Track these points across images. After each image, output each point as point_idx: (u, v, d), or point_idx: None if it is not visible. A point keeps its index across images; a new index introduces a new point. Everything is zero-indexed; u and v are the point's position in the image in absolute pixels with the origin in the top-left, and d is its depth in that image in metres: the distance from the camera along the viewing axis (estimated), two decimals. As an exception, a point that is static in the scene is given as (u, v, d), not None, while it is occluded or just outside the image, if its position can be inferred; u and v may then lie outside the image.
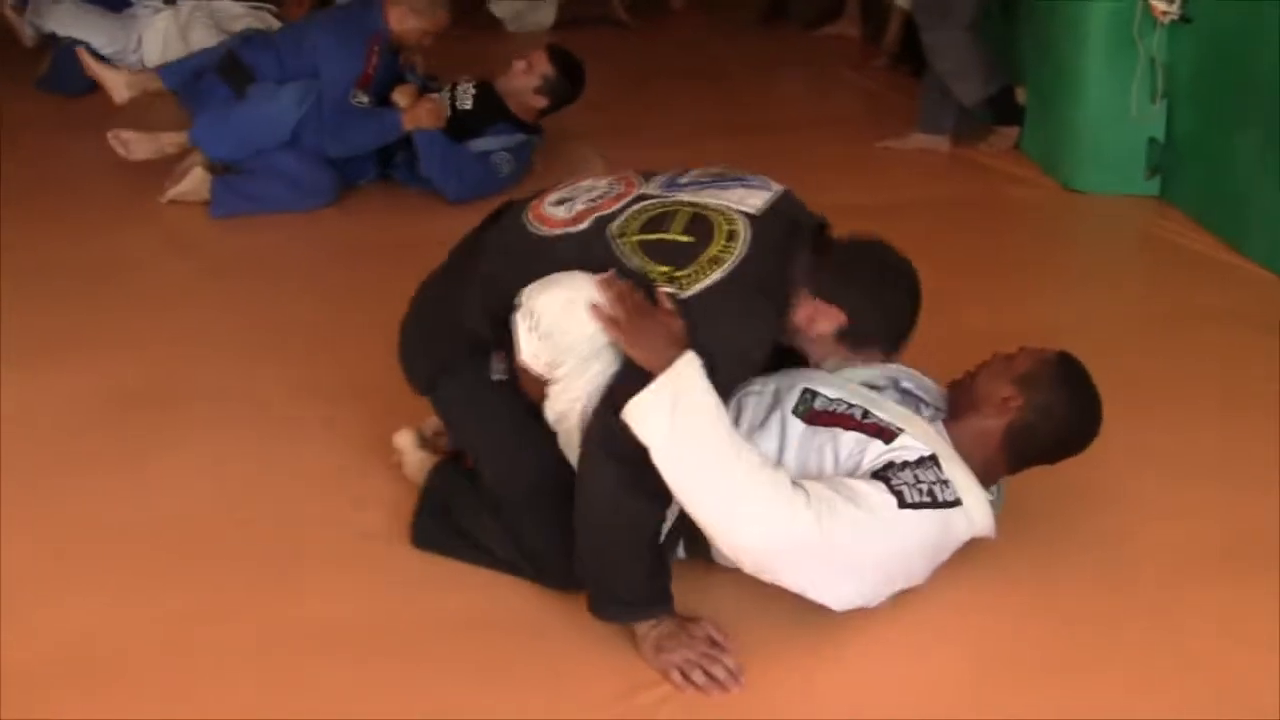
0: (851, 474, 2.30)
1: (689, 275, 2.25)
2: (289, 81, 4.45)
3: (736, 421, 2.41)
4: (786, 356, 2.50)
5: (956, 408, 2.46)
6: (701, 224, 2.31)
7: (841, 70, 6.18)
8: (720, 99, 5.85)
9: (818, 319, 2.36)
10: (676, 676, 2.21)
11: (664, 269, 2.27)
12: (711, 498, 2.16)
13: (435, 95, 4.61)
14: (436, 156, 4.48)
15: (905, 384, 2.56)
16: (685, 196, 2.38)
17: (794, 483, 2.18)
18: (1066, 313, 3.65)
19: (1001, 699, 2.19)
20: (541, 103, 4.66)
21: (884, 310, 2.37)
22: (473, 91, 4.67)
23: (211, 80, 4.64)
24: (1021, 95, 4.89)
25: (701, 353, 2.18)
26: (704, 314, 2.23)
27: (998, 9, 5.08)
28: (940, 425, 2.43)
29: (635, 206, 2.38)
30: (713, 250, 2.27)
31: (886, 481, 2.24)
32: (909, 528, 2.24)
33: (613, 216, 2.37)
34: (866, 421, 2.37)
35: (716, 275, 2.25)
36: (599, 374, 2.27)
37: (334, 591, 2.46)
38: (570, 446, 2.33)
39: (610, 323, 2.21)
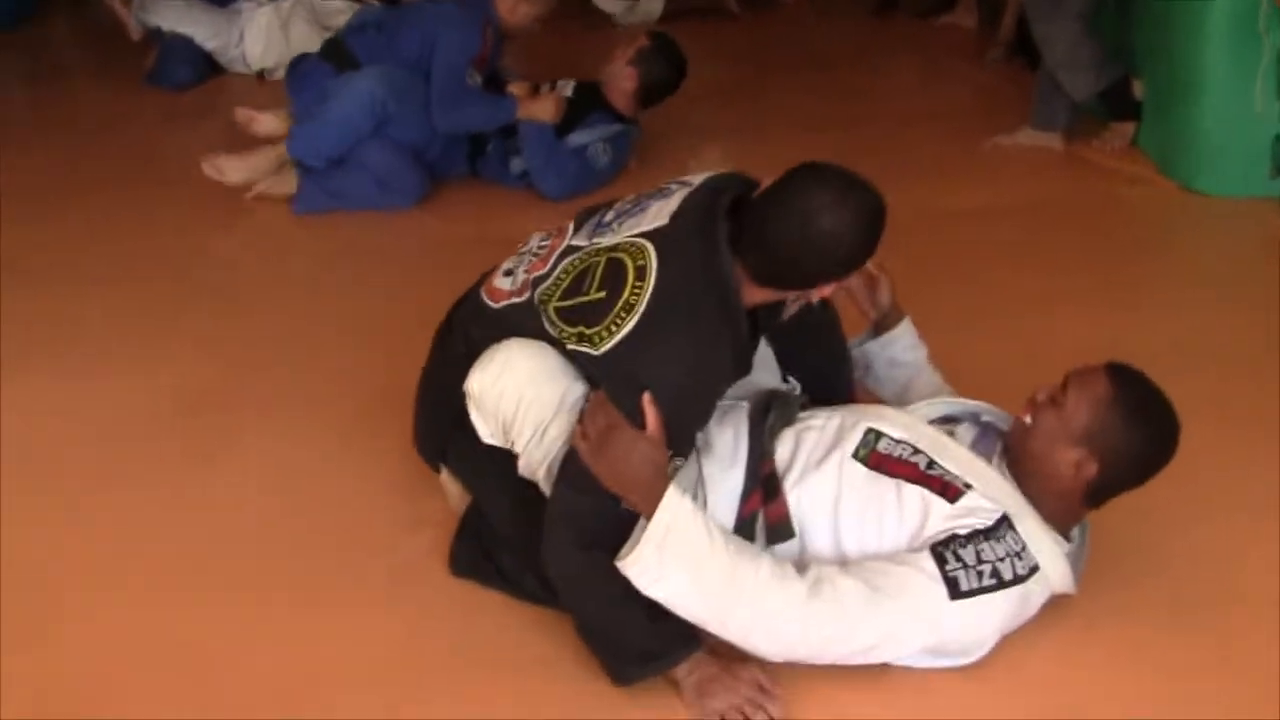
0: (914, 538, 2.17)
1: (599, 332, 2.19)
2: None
3: (792, 458, 2.29)
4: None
5: (1021, 465, 2.27)
6: (615, 271, 2.22)
7: (955, 62, 5.95)
8: (829, 91, 5.66)
9: (761, 294, 2.25)
10: None
11: (575, 330, 2.22)
12: (731, 625, 2.09)
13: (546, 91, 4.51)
14: (542, 150, 4.38)
15: (985, 418, 2.40)
16: (606, 240, 2.30)
17: (817, 579, 2.08)
18: (1180, 325, 3.42)
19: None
20: (633, 79, 4.46)
21: (816, 260, 2.18)
22: (573, 84, 4.57)
23: (313, 63, 4.64)
24: (1138, 89, 4.62)
25: (636, 410, 2.10)
26: (620, 366, 2.16)
27: (1113, 2, 4.81)
28: (1005, 468, 2.27)
29: (563, 264, 2.32)
30: (625, 298, 2.19)
31: (942, 563, 2.10)
32: (959, 618, 2.11)
33: (544, 278, 2.32)
34: (931, 474, 2.21)
35: (630, 323, 2.17)
36: (555, 440, 2.23)
37: (377, 617, 2.40)
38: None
39: (585, 451, 2.11)
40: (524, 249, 2.47)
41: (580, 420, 2.13)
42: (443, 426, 2.44)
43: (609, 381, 2.17)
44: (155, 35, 5.84)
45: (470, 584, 2.44)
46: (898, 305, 2.67)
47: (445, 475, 2.56)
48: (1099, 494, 2.25)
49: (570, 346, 2.23)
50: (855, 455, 2.27)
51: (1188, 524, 2.57)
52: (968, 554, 2.11)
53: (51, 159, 4.98)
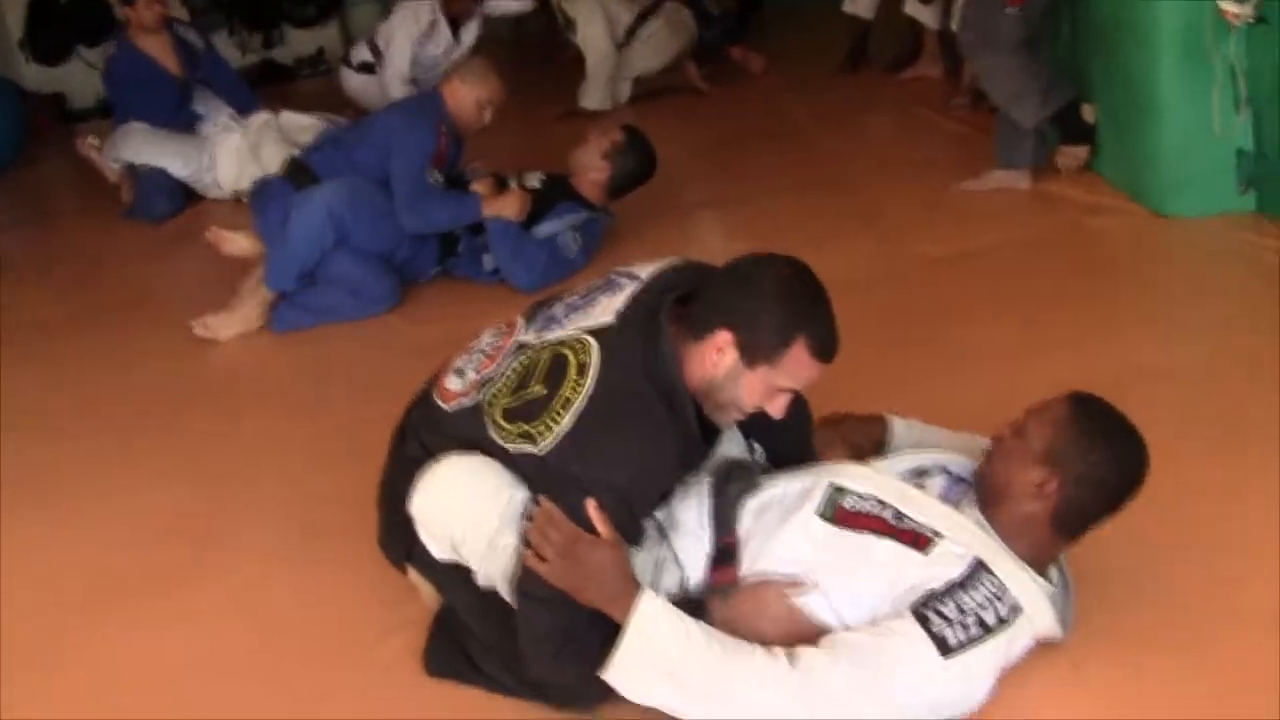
0: (890, 593, 2.13)
1: (538, 428, 2.17)
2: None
3: (755, 525, 2.28)
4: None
5: (987, 500, 2.24)
6: (557, 366, 2.22)
7: (924, 112, 5.92)
8: (802, 153, 5.68)
9: (708, 356, 2.20)
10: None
11: (518, 428, 2.20)
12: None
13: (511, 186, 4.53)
14: (509, 245, 4.39)
15: (954, 469, 2.36)
16: (553, 335, 2.30)
17: (809, 663, 2.05)
18: (1168, 352, 3.38)
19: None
20: (605, 172, 4.50)
21: (763, 300, 2.16)
22: (540, 176, 4.59)
23: (276, 183, 4.67)
24: (1090, 113, 4.60)
25: (581, 510, 2.10)
26: (561, 467, 2.14)
27: (1066, 29, 4.82)
28: (977, 513, 2.23)
29: (512, 364, 2.31)
30: (564, 393, 2.17)
31: (925, 623, 2.06)
32: (952, 675, 2.06)
33: (491, 379, 2.31)
34: (900, 526, 2.18)
35: (566, 421, 2.15)
36: (508, 549, 2.21)
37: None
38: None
39: (547, 572, 2.11)
40: (475, 345, 2.47)
41: (528, 539, 2.13)
42: (405, 529, 2.41)
43: (552, 482, 2.16)
44: (130, 170, 5.89)
45: (448, 684, 2.40)
46: (867, 422, 2.61)
47: (414, 574, 2.52)
48: (1068, 520, 2.21)
49: (513, 449, 2.21)
50: (820, 514, 2.24)
51: (1176, 551, 2.52)
52: (948, 608, 2.08)
53: (44, 296, 5.08)
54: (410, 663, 2.47)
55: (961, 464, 2.37)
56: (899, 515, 2.19)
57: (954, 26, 5.78)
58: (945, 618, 2.06)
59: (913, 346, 3.49)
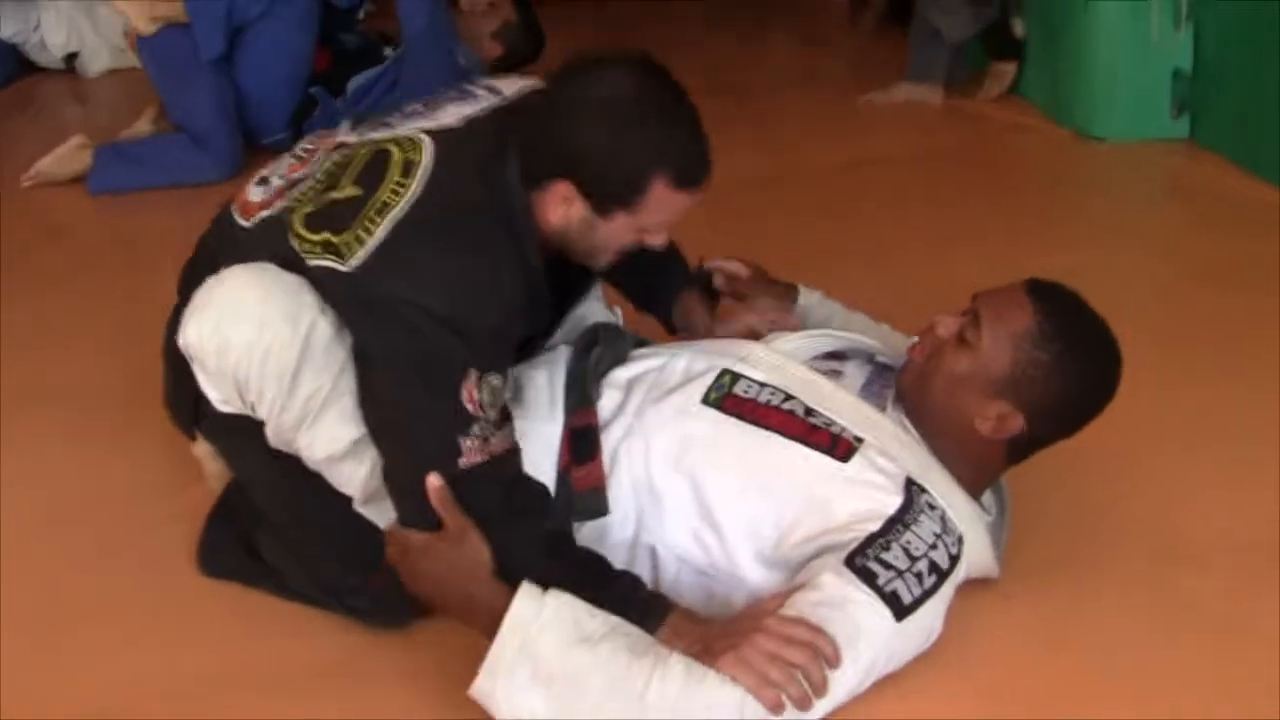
0: (804, 512, 1.68)
1: (347, 240, 1.68)
2: None
3: (620, 407, 1.82)
4: None
5: (920, 414, 1.80)
6: (376, 165, 1.74)
7: (827, 30, 5.56)
8: (697, 65, 5.17)
9: (553, 208, 1.75)
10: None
11: (320, 238, 1.70)
12: None
13: None
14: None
15: (880, 358, 1.94)
16: (381, 134, 1.81)
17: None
18: (1080, 271, 2.95)
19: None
20: (497, 51, 4.12)
21: (600, 134, 1.70)
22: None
23: None
24: (1018, 28, 4.22)
25: (401, 345, 1.64)
26: (372, 287, 1.66)
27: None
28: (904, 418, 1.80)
29: (324, 164, 1.82)
30: (381, 196, 1.69)
31: (870, 579, 1.59)
32: (908, 634, 1.62)
33: (299, 181, 1.82)
34: (812, 423, 1.72)
35: (381, 231, 1.67)
36: (309, 395, 1.71)
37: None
38: (349, 481, 1.78)
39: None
40: (287, 153, 1.98)
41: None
42: (194, 383, 1.87)
43: (359, 308, 1.68)
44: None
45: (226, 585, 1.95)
46: (779, 286, 2.18)
47: (201, 446, 2.04)
48: (1023, 450, 1.80)
49: (312, 262, 1.72)
50: (705, 399, 1.79)
51: (1119, 469, 2.17)
52: (894, 555, 1.62)
53: None
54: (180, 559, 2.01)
55: (888, 355, 1.96)
56: (809, 411, 1.75)
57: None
58: (893, 567, 1.61)
59: (816, 247, 3.08)
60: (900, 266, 2.98)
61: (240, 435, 1.84)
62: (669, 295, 2.13)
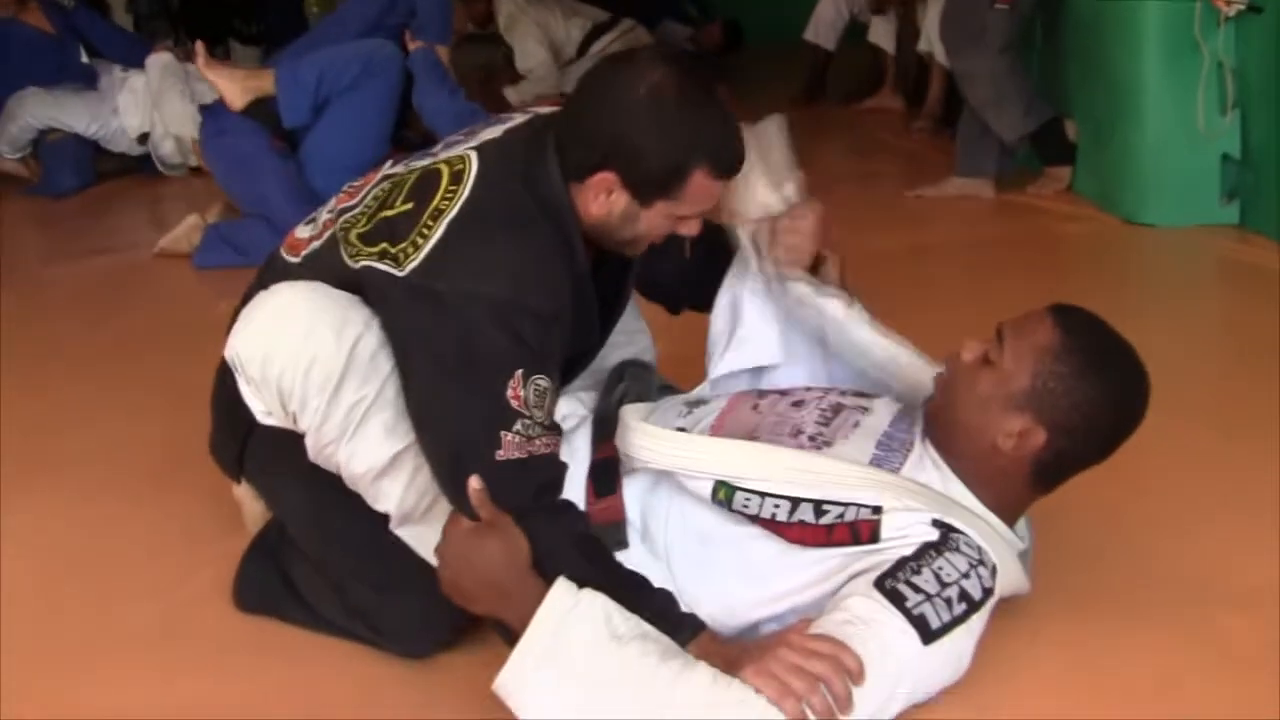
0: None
1: (404, 248, 1.71)
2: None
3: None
4: None
5: (943, 442, 1.79)
6: (426, 182, 1.78)
7: (883, 136, 5.63)
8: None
9: (596, 199, 1.77)
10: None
11: (377, 248, 1.74)
12: None
13: None
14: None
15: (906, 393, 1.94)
16: (423, 162, 1.85)
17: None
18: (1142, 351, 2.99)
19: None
20: None
21: (643, 127, 1.72)
22: None
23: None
24: (1072, 131, 4.26)
25: (452, 338, 1.66)
26: (430, 281, 1.69)
27: (1040, 35, 4.49)
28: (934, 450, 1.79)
29: (374, 190, 1.86)
30: (435, 204, 1.73)
31: (899, 601, 1.58)
32: (935, 662, 1.60)
33: (350, 209, 1.85)
34: (827, 524, 1.69)
35: (438, 232, 1.70)
36: (353, 405, 1.74)
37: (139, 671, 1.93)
38: (387, 497, 1.80)
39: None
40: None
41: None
42: (240, 424, 1.92)
43: (408, 312, 1.71)
44: (34, 149, 5.49)
45: (261, 621, 1.97)
46: (849, 291, 2.12)
47: (243, 489, 2.07)
48: (1050, 472, 1.76)
49: (363, 264, 1.75)
50: (715, 497, 1.75)
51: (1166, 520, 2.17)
52: (924, 579, 1.61)
53: None
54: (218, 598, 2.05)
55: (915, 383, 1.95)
56: (819, 510, 1.69)
57: (921, 47, 5.56)
58: (922, 591, 1.60)
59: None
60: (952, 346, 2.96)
61: (280, 465, 1.88)
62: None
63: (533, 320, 1.68)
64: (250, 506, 2.09)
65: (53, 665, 1.94)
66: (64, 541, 2.33)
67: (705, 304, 2.10)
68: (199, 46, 4.24)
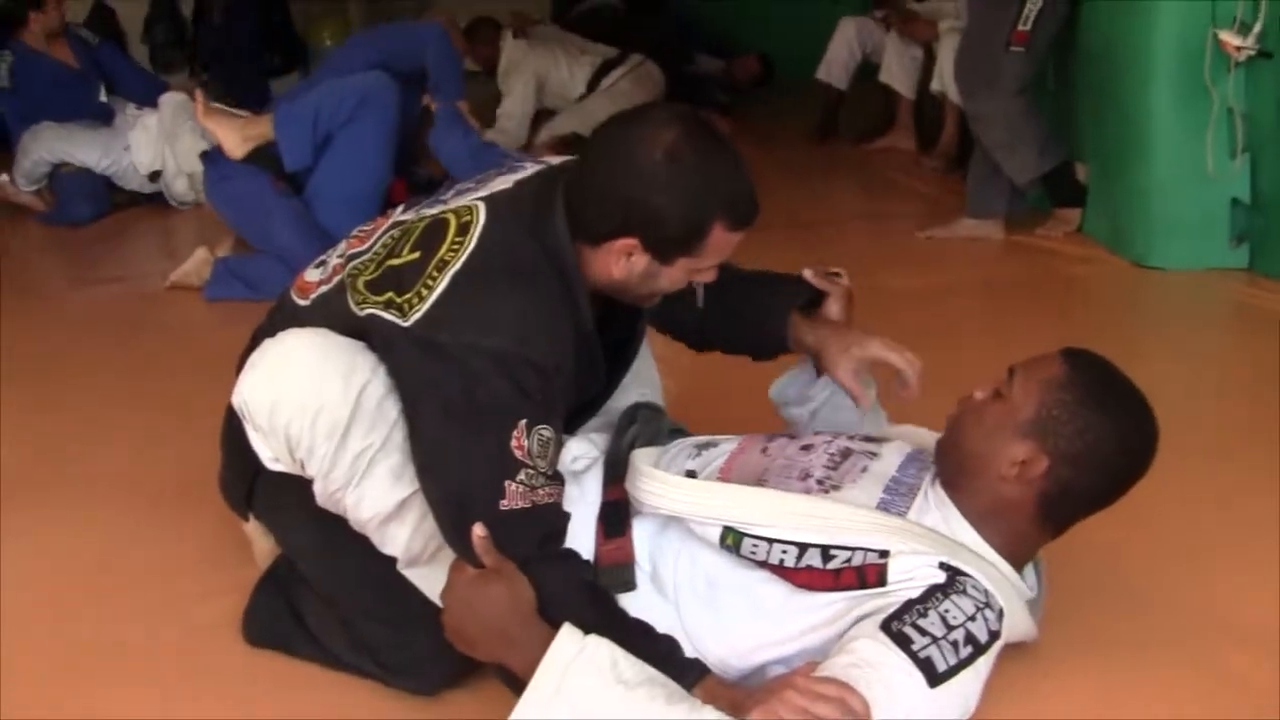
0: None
1: (410, 299, 1.71)
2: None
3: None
4: None
5: (952, 479, 1.80)
6: (433, 232, 1.78)
7: (895, 175, 5.66)
8: (769, 205, 5.32)
9: (614, 262, 1.77)
10: None
11: (383, 298, 1.74)
12: None
13: None
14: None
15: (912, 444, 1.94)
16: (433, 210, 1.85)
17: None
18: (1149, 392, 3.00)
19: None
20: None
21: (660, 189, 1.71)
22: None
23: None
24: (1082, 173, 4.29)
25: (456, 389, 1.67)
26: (432, 333, 1.69)
27: (1052, 78, 4.52)
28: (942, 492, 1.79)
29: (384, 237, 1.86)
30: (440, 255, 1.73)
31: (905, 644, 1.59)
32: (943, 704, 1.60)
33: (360, 254, 1.86)
34: (835, 569, 1.70)
35: (443, 283, 1.70)
36: (359, 453, 1.75)
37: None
38: (394, 542, 1.81)
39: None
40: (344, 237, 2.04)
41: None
42: (248, 464, 1.93)
43: (414, 353, 1.71)
44: (50, 179, 5.51)
45: (269, 653, 1.99)
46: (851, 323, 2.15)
47: (253, 525, 2.09)
48: (1056, 509, 1.77)
49: (368, 313, 1.75)
50: (723, 542, 1.76)
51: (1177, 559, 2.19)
52: (930, 622, 1.62)
53: None
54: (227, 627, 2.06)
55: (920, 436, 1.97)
56: (827, 555, 1.71)
57: (934, 87, 5.59)
58: (928, 634, 1.61)
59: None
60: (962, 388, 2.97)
61: (289, 504, 1.90)
62: (784, 311, 2.09)
63: (535, 372, 1.69)
64: (260, 543, 2.11)
65: (56, 686, 1.97)
66: (73, 563, 2.35)
67: (728, 348, 2.14)
68: (199, 95, 4.28)
